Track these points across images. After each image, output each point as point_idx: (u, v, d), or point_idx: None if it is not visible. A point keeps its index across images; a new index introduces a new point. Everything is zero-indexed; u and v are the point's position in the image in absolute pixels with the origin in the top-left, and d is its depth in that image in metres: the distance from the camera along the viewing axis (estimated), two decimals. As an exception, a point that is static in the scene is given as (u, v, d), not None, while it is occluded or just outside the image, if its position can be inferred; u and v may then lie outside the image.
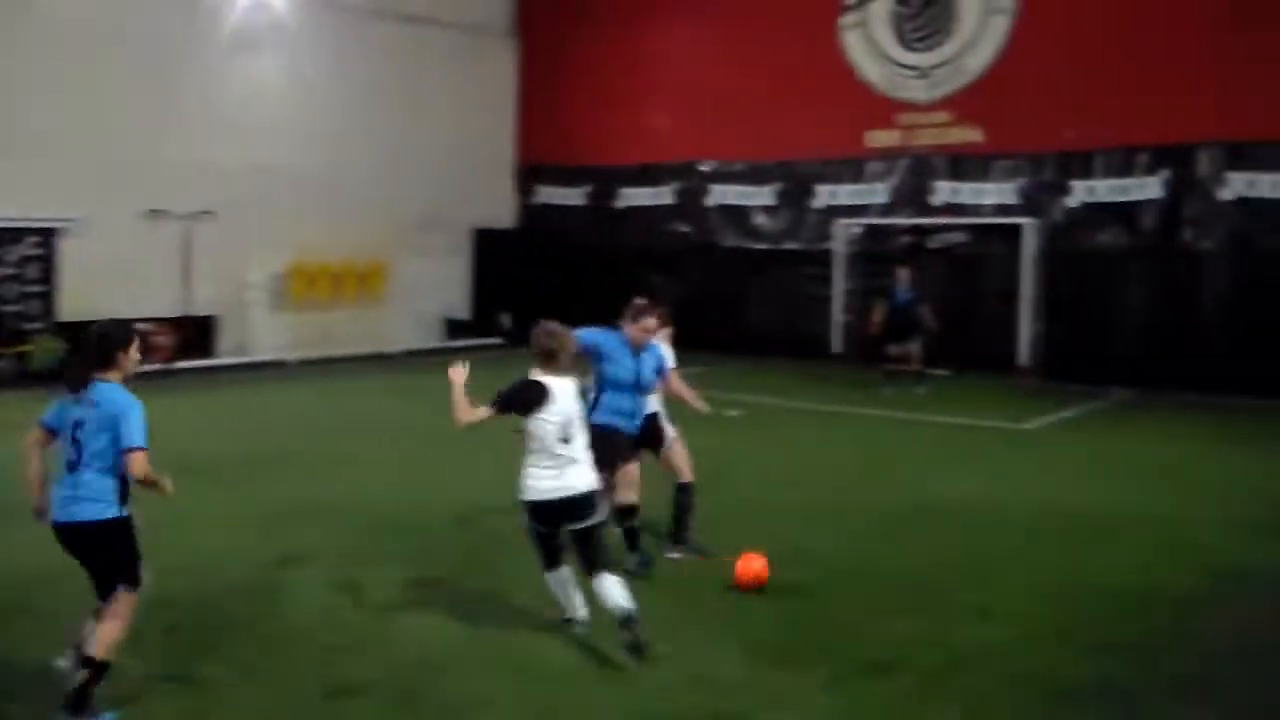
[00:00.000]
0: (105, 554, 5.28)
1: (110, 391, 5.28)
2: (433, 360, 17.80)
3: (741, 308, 20.56)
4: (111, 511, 5.24)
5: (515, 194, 23.52)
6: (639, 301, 7.35)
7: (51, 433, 5.36)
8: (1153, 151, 17.01)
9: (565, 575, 6.27)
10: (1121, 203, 17.23)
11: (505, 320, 22.05)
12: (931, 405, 14.82)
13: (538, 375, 6.03)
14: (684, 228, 21.51)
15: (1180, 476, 10.89)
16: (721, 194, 21.04)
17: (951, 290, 18.21)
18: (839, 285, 19.46)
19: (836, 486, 10.05)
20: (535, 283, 22.35)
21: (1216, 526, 8.94)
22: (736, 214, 20.92)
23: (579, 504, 6.06)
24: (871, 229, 19.46)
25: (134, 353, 5.38)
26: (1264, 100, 16.00)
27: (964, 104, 18.59)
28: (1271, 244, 16.16)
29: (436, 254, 21.98)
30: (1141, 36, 16.86)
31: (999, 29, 18.38)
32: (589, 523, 6.09)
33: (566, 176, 22.79)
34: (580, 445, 6.04)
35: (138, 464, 5.14)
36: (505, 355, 17.53)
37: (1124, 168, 17.21)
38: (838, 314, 19.53)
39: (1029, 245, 17.56)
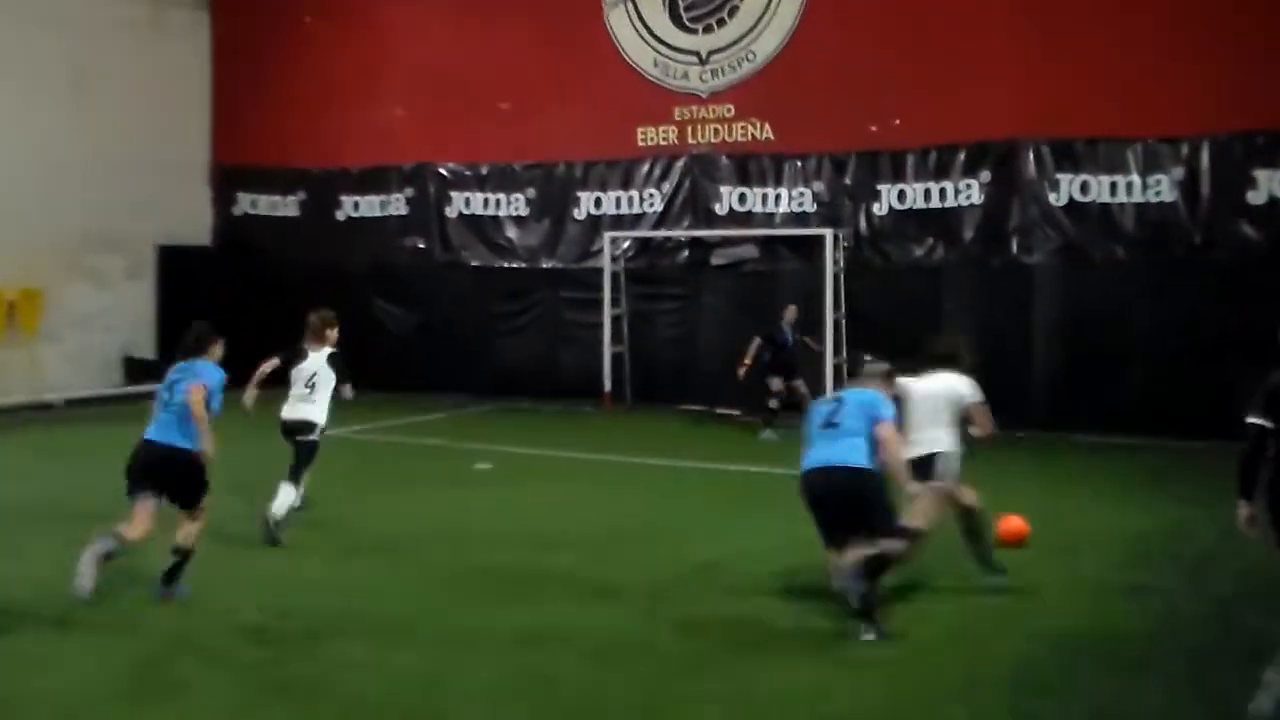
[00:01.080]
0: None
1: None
2: (108, 410, 17.36)
3: (492, 339, 19.62)
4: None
5: (212, 203, 22.29)
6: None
7: None
8: (971, 149, 16.44)
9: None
10: (938, 209, 16.67)
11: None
12: (727, 451, 14.53)
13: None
14: (420, 243, 20.46)
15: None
16: (465, 202, 20.11)
17: (741, 314, 17.36)
18: (608, 311, 18.44)
19: (605, 550, 9.71)
20: (239, 312, 20.43)
21: (1057, 587, 8.57)
22: (483, 226, 20.01)
23: (294, 426, 10.06)
24: (645, 243, 18.75)
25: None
26: (1099, 88, 15.41)
27: (750, 96, 18.01)
28: (1107, 254, 15.56)
29: (111, 278, 20.43)
30: (956, 18, 16.39)
31: (789, 7, 17.72)
32: (299, 437, 10.00)
33: (276, 181, 21.66)
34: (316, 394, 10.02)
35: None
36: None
37: (940, 169, 16.62)
38: (608, 345, 18.43)
39: (830, 260, 16.81)
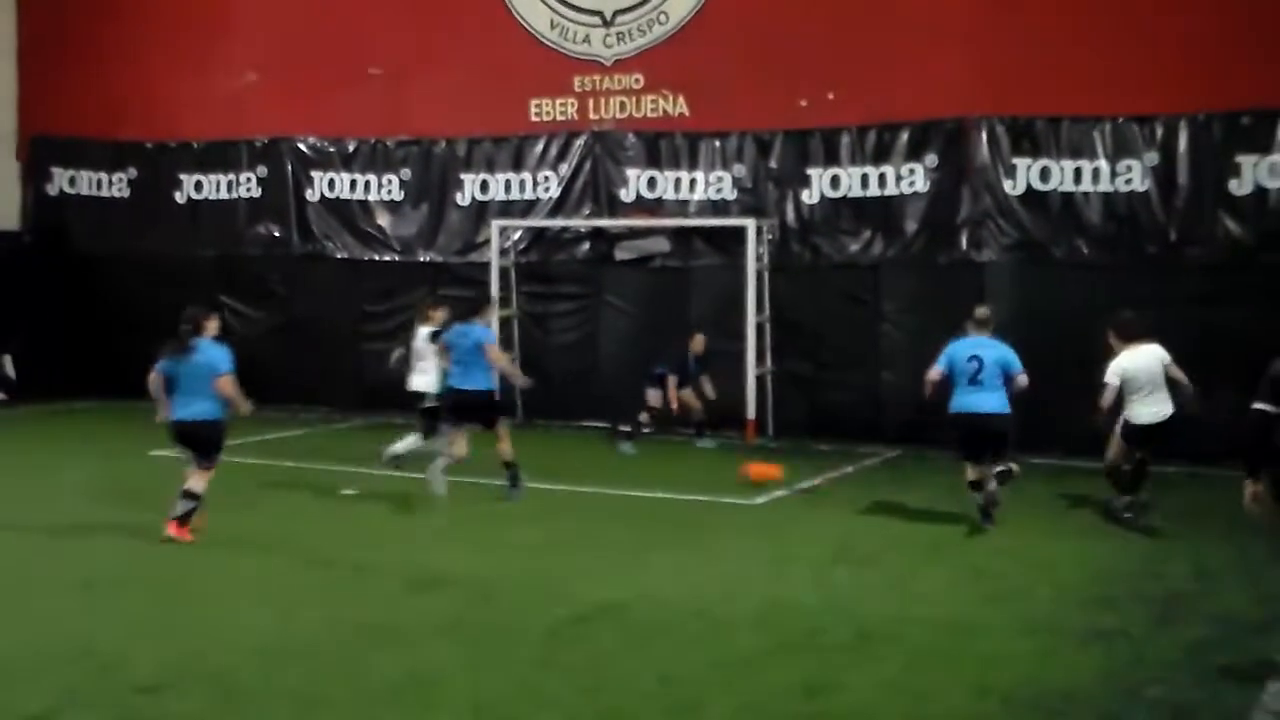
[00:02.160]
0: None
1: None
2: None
3: (360, 344, 19.45)
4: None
5: (19, 181, 22.04)
6: None
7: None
8: (915, 129, 16.60)
9: None
10: (876, 198, 16.82)
11: (7, 366, 20.71)
12: (632, 473, 14.82)
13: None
14: (275, 231, 20.41)
15: (959, 561, 10.80)
16: (328, 184, 20.06)
17: (649, 317, 17.61)
18: (495, 312, 17.55)
19: (489, 591, 9.74)
20: (54, 309, 20.96)
21: (1010, 630, 8.74)
22: (350, 212, 19.95)
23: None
24: (539, 234, 18.78)
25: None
26: (1062, 59, 15.60)
27: (662, 64, 18.07)
28: (1070, 251, 15.76)
29: None
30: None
31: (707, -39, 17.92)
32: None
33: (100, 156, 21.48)
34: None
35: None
36: (9, 415, 17.88)
37: (880, 152, 16.74)
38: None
39: (753, 255, 16.87)
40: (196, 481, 11.02)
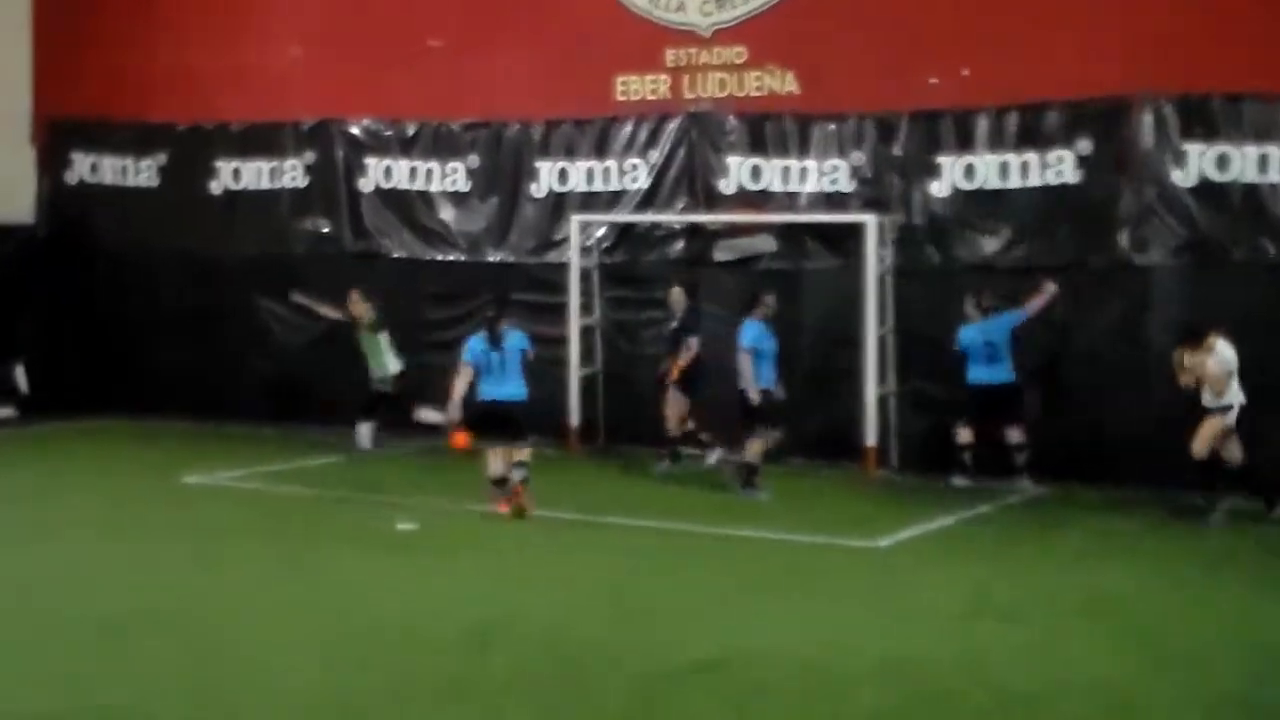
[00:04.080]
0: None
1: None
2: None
3: (419, 355, 19.18)
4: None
5: (36, 168, 22.33)
6: None
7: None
8: (1066, 110, 16.46)
9: None
10: (1018, 191, 16.72)
11: (19, 376, 21.00)
12: (730, 508, 14.92)
13: None
14: (324, 226, 20.58)
15: (1122, 620, 10.63)
16: (383, 173, 20.27)
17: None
18: (575, 320, 18.49)
19: (569, 636, 9.93)
20: (71, 313, 21.38)
21: (1182, 704, 8.56)
22: (408, 205, 20.11)
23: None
24: (625, 231, 18.85)
25: None
26: (1242, 27, 15.50)
27: (770, 35, 18.09)
28: (1253, 252, 15.62)
29: None
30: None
31: (824, -85, 17.97)
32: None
33: (126, 140, 21.70)
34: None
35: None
36: (21, 433, 18.24)
37: (1023, 137, 16.64)
38: (575, 366, 18.50)
39: (873, 257, 16.85)
40: (505, 466, 13.84)
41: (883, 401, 16.79)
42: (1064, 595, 11.22)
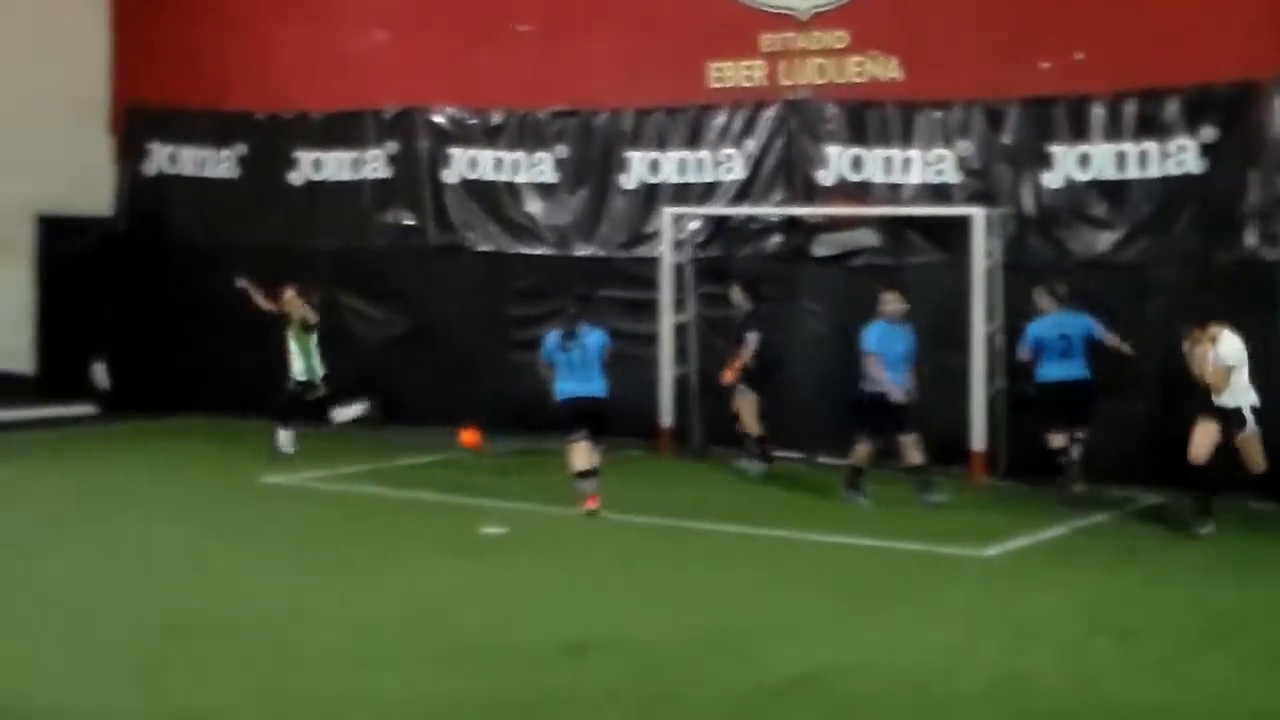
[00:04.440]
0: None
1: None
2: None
3: (505, 353, 19.64)
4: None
5: (114, 159, 22.64)
6: None
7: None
8: (1189, 96, 16.32)
9: None
10: (1138, 182, 16.58)
11: (100, 373, 21.61)
12: (830, 515, 14.89)
13: None
14: (407, 218, 20.69)
15: (1248, 639, 10.46)
16: (469, 163, 20.34)
17: (854, 323, 17.05)
18: (668, 317, 18.48)
19: (662, 647, 9.90)
20: (151, 309, 21.66)
21: None
22: (494, 197, 20.23)
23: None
24: (720, 224, 18.87)
25: None
26: None
27: (871, 18, 18.11)
28: None
29: None
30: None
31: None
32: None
33: (205, 129, 22.02)
34: None
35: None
36: (103, 432, 18.37)
37: (1142, 124, 16.49)
38: (667, 365, 18.54)
39: (981, 251, 16.78)
40: (589, 459, 14.17)
41: (991, 403, 16.68)
42: (1186, 611, 11.09)
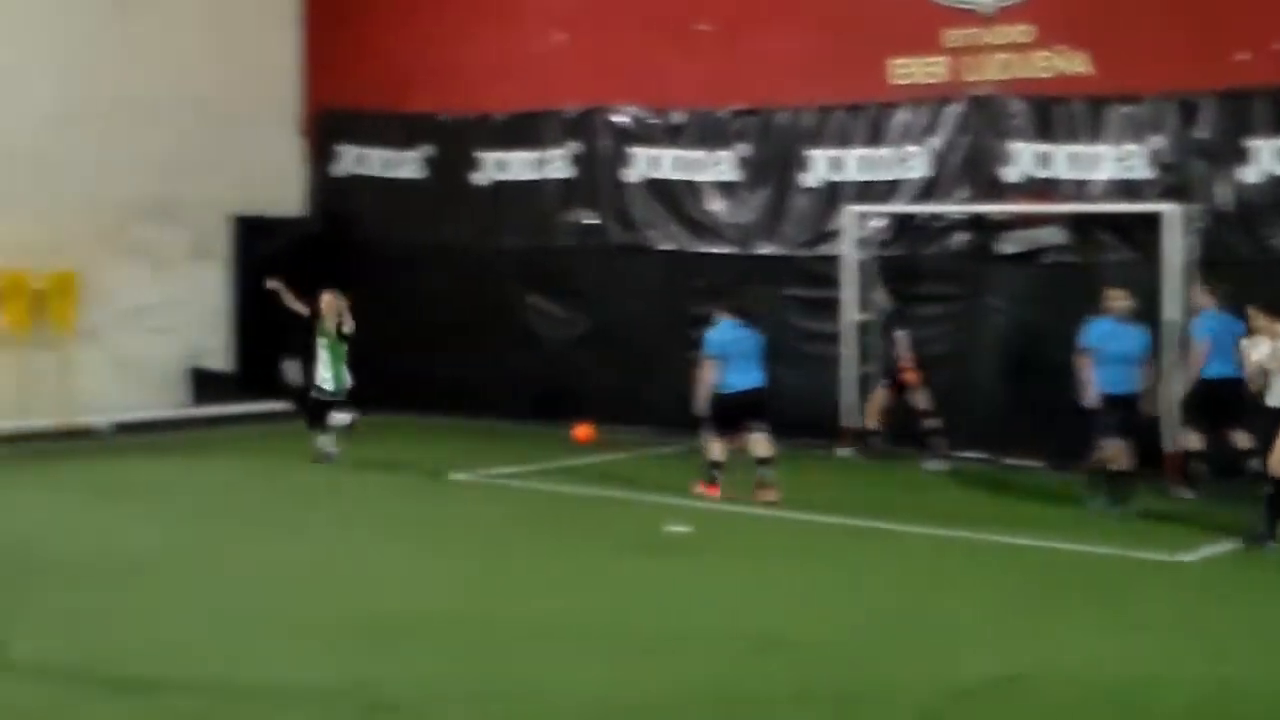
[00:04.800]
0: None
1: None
2: (170, 440, 18.47)
3: (686, 352, 19.03)
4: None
5: (305, 160, 23.15)
6: None
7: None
8: None
9: None
10: None
11: (292, 370, 21.57)
12: (1019, 516, 14.72)
13: None
14: (589, 217, 20.77)
15: None
16: (650, 163, 20.42)
17: (1041, 322, 17.38)
18: (849, 315, 18.40)
19: (849, 655, 9.80)
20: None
21: None
22: (676, 196, 20.29)
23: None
24: (903, 222, 18.69)
25: None
26: None
27: (1058, 12, 17.91)
28: None
29: (169, 259, 21.41)
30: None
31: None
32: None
33: (392, 131, 22.42)
34: None
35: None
36: (293, 428, 18.53)
37: None
38: (849, 365, 18.37)
39: (1175, 249, 16.49)
40: (767, 447, 14.52)
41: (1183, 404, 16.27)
42: None
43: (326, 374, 17.14)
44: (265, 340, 21.93)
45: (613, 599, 10.96)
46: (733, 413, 14.75)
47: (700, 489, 14.83)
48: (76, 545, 12.81)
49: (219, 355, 21.66)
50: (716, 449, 14.79)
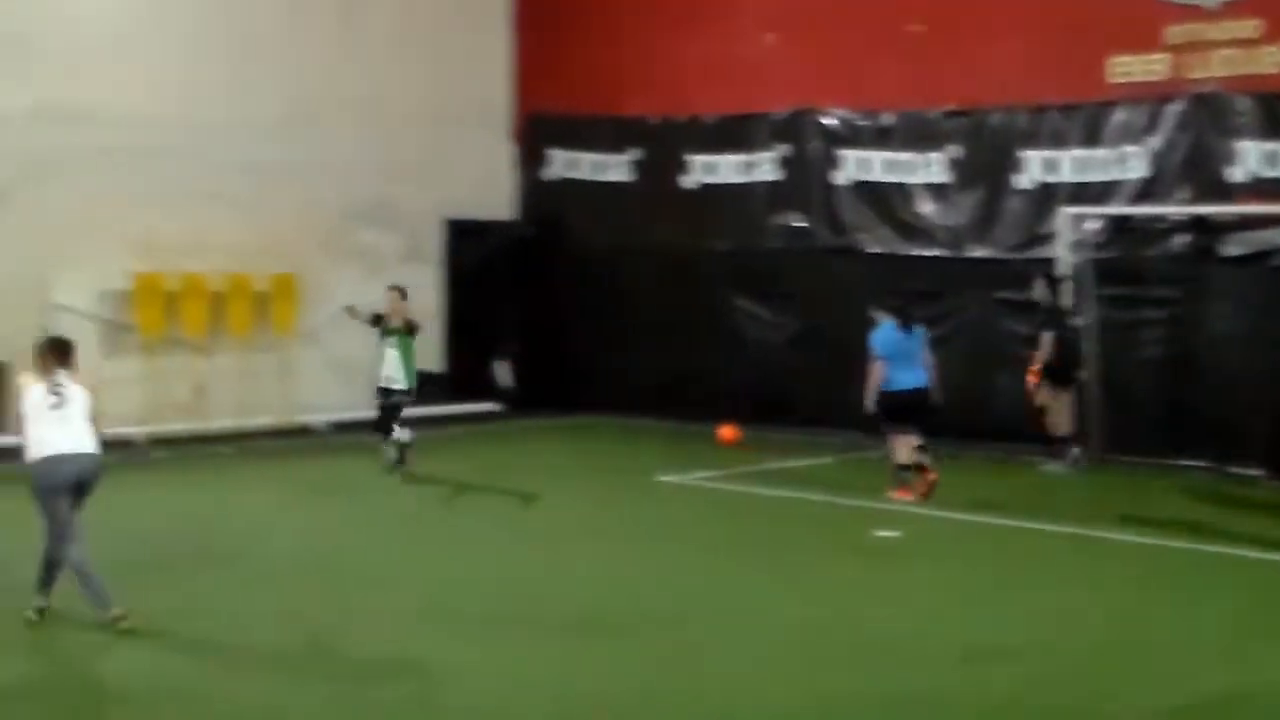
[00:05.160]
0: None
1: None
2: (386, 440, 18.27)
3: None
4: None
5: (515, 165, 23.39)
6: None
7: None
8: None
9: None
10: None
11: (503, 372, 22.24)
12: (1253, 530, 13.98)
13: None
14: (798, 220, 20.68)
15: None
16: (860, 165, 20.31)
17: (1269, 327, 16.84)
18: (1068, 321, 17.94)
19: (1069, 666, 9.51)
20: (551, 310, 22.38)
21: None
22: (886, 198, 20.17)
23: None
24: (1121, 224, 18.27)
25: None
26: None
27: None
28: None
29: (383, 262, 21.59)
30: None
31: None
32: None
33: (601, 135, 22.55)
34: None
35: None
36: (504, 429, 19.19)
37: None
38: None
39: None
40: (912, 451, 14.51)
41: None
42: None
43: (397, 374, 16.48)
44: (477, 342, 22.28)
45: (823, 603, 10.90)
46: (900, 410, 14.75)
47: (895, 495, 14.67)
48: (292, 542, 13.10)
49: (431, 357, 21.59)
50: (902, 452, 14.70)
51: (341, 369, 20.74)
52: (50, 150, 18.35)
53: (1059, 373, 16.85)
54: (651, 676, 8.92)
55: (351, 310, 16.93)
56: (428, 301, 22.14)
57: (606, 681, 8.76)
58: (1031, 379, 16.91)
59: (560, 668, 9.00)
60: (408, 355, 16.56)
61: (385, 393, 16.56)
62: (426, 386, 21.41)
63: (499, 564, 12.07)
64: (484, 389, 21.84)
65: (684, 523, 14.07)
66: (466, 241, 22.27)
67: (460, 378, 22.06)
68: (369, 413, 20.36)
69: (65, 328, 18.37)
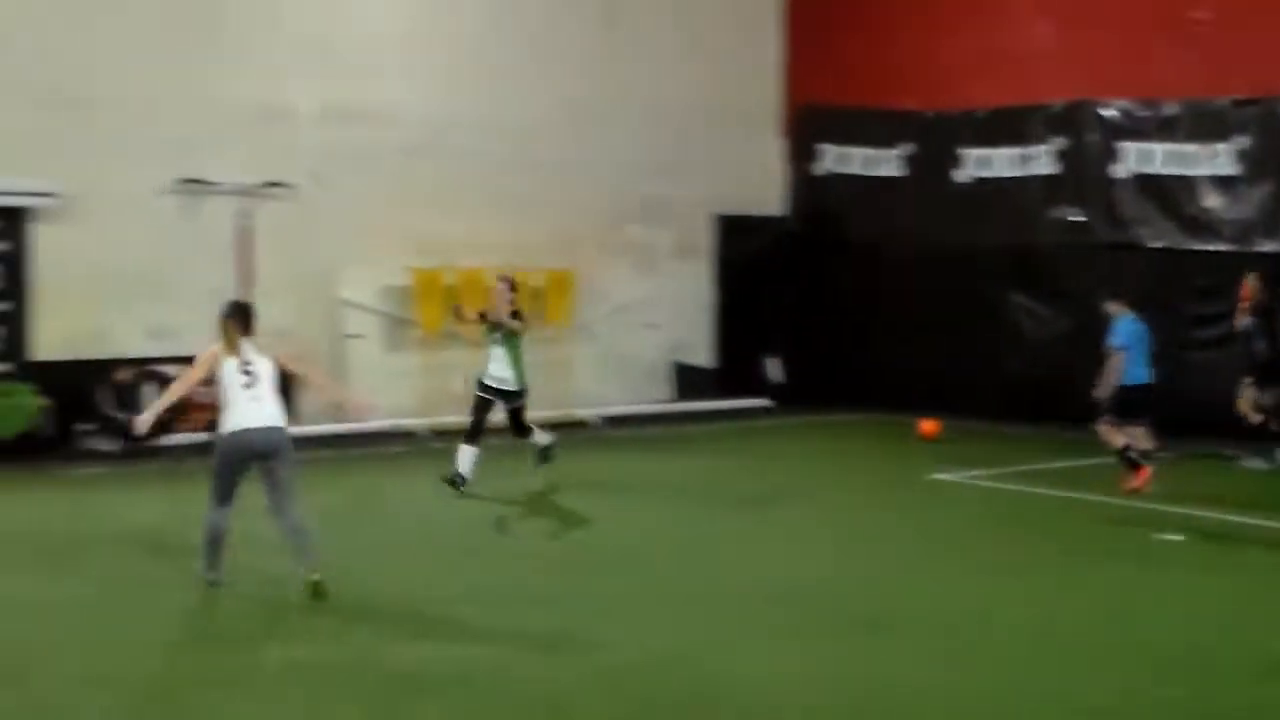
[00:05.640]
0: None
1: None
2: (652, 435, 18.59)
3: (1181, 355, 18.74)
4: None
5: (786, 159, 23.36)
6: None
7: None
8: None
9: None
10: None
11: (774, 368, 22.19)
12: None
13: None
14: (1076, 214, 20.42)
15: None
16: (1140, 157, 19.91)
17: None
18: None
19: None
20: (820, 305, 22.30)
21: None
22: (1169, 192, 19.76)
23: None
24: None
25: None
26: None
27: None
28: None
29: (655, 258, 22.04)
30: None
31: None
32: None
33: (872, 129, 22.50)
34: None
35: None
36: (776, 425, 19.02)
37: None
38: None
39: None
40: (1148, 441, 14.43)
41: None
42: None
43: (506, 373, 14.86)
44: (746, 337, 22.28)
45: (1105, 607, 10.55)
46: (1133, 405, 14.48)
47: (1130, 484, 14.17)
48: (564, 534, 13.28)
49: (700, 351, 21.99)
50: (1117, 437, 14.35)
51: (613, 362, 20.95)
52: (339, 149, 18.86)
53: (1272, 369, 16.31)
54: (936, 675, 8.76)
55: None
56: (698, 297, 22.43)
57: (895, 676, 8.65)
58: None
59: (832, 665, 8.90)
60: (515, 352, 15.09)
61: (494, 392, 15.00)
62: (692, 380, 21.67)
63: (767, 561, 11.90)
64: (753, 384, 21.86)
65: (963, 522, 13.83)
66: (736, 237, 22.34)
67: (728, 372, 22.14)
68: (639, 406, 20.74)
69: (351, 323, 19.33)
